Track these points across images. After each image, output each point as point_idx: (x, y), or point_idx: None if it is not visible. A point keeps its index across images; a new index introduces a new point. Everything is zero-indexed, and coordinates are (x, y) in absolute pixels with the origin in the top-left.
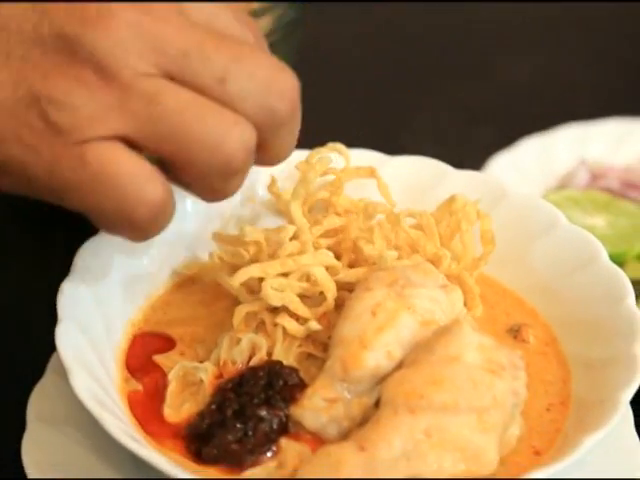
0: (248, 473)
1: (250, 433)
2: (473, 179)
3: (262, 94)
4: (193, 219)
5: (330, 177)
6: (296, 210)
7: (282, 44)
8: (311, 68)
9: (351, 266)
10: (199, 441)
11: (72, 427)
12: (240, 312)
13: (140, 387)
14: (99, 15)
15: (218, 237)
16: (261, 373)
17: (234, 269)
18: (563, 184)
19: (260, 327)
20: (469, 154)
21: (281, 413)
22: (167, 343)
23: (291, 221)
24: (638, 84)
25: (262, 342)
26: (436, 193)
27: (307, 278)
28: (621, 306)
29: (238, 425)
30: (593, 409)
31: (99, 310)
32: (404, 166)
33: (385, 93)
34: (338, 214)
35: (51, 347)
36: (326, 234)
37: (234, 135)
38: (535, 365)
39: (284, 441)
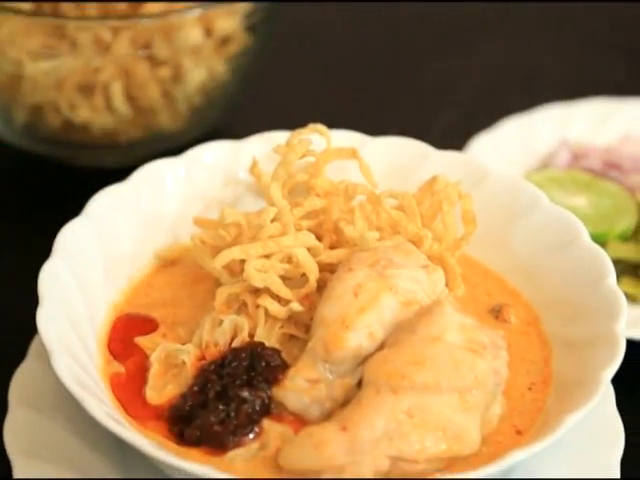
0: (231, 454)
1: (232, 414)
2: (455, 160)
3: None
4: (174, 202)
5: (310, 159)
6: (276, 192)
7: (262, 26)
8: (292, 50)
9: (332, 247)
10: (181, 423)
11: (54, 409)
12: (222, 294)
13: (122, 369)
14: None
15: (199, 221)
16: (243, 354)
17: (216, 251)
18: (545, 164)
19: (242, 309)
20: (451, 135)
21: (263, 394)
22: (149, 325)
23: (271, 203)
24: (619, 65)
25: (244, 323)
26: (418, 174)
27: (289, 260)
28: (602, 286)
29: (220, 406)
30: (575, 388)
31: (81, 292)
32: (386, 147)
33: (367, 74)
34: (318, 196)
35: (33, 330)
36: (307, 216)
37: None
38: (517, 345)
39: (266, 422)
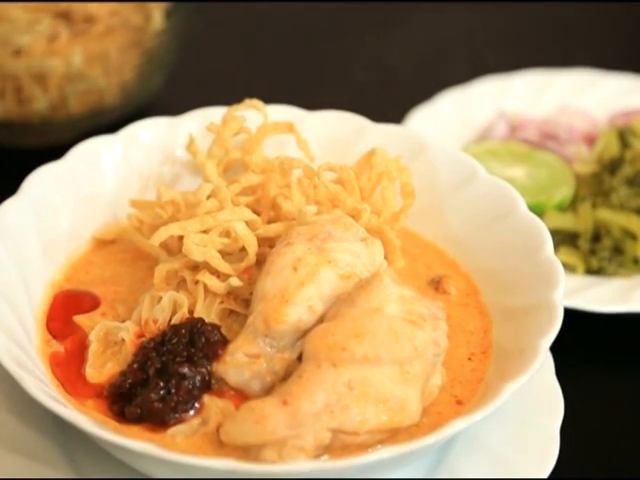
0: (172, 430)
1: (173, 391)
2: (393, 133)
3: None
4: (112, 180)
5: (245, 136)
6: (211, 169)
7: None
8: (226, 25)
9: (270, 223)
10: (122, 400)
11: None
12: (161, 271)
13: (61, 348)
14: None
15: (136, 203)
16: (183, 331)
17: (153, 230)
18: (482, 136)
19: (181, 285)
20: (388, 108)
21: (204, 370)
22: (89, 303)
23: (208, 180)
24: (554, 36)
25: (183, 300)
26: (356, 148)
27: (227, 234)
28: (540, 255)
29: (161, 383)
30: (514, 357)
31: (18, 272)
32: (324, 121)
33: (304, 49)
34: (254, 172)
35: None
36: (244, 192)
37: None
38: (456, 316)
39: (207, 398)
